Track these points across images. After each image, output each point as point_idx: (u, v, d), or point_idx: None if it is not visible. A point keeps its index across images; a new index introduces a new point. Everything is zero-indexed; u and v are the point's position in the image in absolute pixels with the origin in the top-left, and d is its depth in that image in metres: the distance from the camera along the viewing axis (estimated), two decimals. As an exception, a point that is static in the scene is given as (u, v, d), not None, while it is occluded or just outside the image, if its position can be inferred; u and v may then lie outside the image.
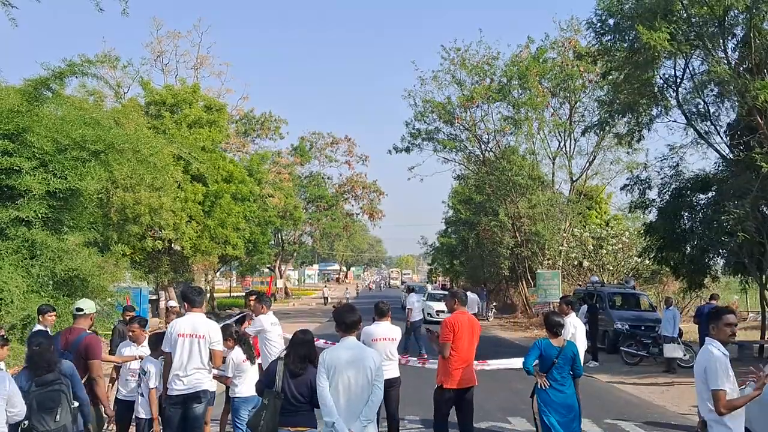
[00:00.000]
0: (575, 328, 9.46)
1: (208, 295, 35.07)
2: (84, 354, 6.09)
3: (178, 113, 26.99)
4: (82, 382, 6.06)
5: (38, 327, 8.63)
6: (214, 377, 7.12)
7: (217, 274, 42.21)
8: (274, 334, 8.66)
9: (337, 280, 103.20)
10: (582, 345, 9.32)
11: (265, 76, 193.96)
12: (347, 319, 5.40)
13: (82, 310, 6.52)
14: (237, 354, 7.40)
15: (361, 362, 5.19)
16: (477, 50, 32.89)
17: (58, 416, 5.24)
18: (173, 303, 15.87)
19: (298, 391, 5.31)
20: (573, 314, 9.86)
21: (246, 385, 7.24)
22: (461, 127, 34.04)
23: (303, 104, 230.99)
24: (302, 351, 5.44)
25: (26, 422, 5.24)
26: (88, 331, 6.49)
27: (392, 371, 8.08)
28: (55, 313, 9.13)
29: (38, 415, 5.24)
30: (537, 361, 7.04)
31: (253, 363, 7.43)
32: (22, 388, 5.32)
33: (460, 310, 7.58)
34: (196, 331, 6.64)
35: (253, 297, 9.84)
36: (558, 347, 6.98)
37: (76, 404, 5.39)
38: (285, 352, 5.67)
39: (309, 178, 54.58)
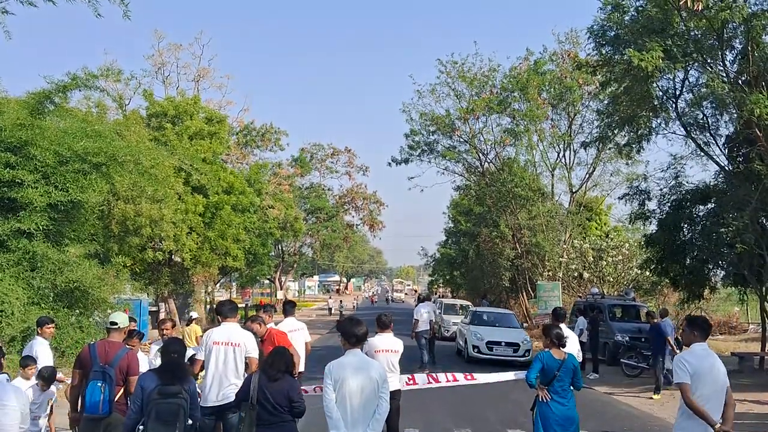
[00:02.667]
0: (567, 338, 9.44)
1: (208, 306, 35.04)
2: (126, 370, 6.12)
3: (180, 125, 27.08)
4: (118, 396, 6.05)
5: (38, 339, 8.65)
6: None
7: (217, 285, 42.15)
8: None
9: (338, 291, 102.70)
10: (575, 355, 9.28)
11: (266, 87, 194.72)
12: (357, 332, 5.39)
13: (116, 323, 6.45)
14: None
15: (366, 374, 5.20)
16: (474, 62, 33.12)
17: (177, 431, 5.22)
18: (195, 314, 16.01)
19: (275, 400, 5.29)
20: (563, 325, 9.76)
21: None
22: (460, 139, 34.18)
23: (303, 116, 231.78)
24: (281, 359, 5.48)
25: (141, 427, 5.24)
26: (127, 347, 6.52)
27: (394, 383, 8.07)
28: (53, 324, 9.12)
29: (156, 425, 5.21)
30: (539, 374, 7.02)
31: None
32: (145, 389, 5.34)
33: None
34: (231, 340, 6.76)
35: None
36: (560, 360, 6.95)
37: (190, 422, 5.37)
38: (265, 361, 5.71)
39: (309, 190, 54.68)
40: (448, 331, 27.65)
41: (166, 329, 8.89)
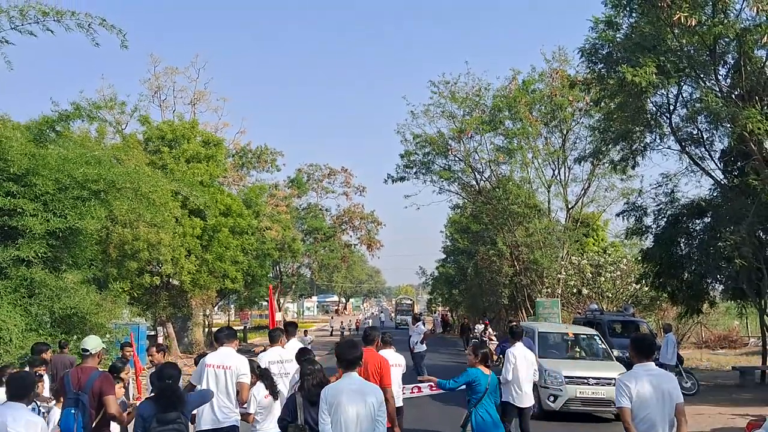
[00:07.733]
0: (515, 358, 9.59)
1: (207, 330, 34.89)
2: (98, 393, 5.99)
3: (177, 148, 27.15)
4: (97, 420, 5.97)
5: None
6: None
7: (216, 308, 42.00)
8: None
9: (337, 311, 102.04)
10: (526, 376, 9.55)
11: (261, 108, 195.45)
12: (349, 356, 5.31)
13: (87, 350, 6.37)
14: (259, 390, 7.19)
15: (363, 398, 5.10)
16: (466, 82, 33.32)
17: None
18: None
19: (314, 420, 5.33)
20: (519, 344, 9.93)
21: (268, 422, 7.05)
22: (455, 158, 34.31)
23: (300, 137, 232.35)
24: (314, 380, 5.53)
25: None
26: (99, 369, 6.41)
27: (397, 400, 8.01)
28: (50, 351, 9.11)
29: None
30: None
31: (276, 398, 7.26)
32: (145, 418, 5.32)
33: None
34: (224, 363, 6.81)
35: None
36: (488, 375, 7.57)
37: None
38: (298, 383, 5.73)
39: (306, 210, 54.65)
40: (554, 397, 12.70)
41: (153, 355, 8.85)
